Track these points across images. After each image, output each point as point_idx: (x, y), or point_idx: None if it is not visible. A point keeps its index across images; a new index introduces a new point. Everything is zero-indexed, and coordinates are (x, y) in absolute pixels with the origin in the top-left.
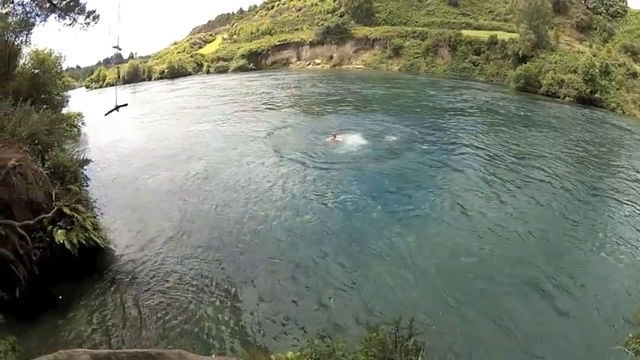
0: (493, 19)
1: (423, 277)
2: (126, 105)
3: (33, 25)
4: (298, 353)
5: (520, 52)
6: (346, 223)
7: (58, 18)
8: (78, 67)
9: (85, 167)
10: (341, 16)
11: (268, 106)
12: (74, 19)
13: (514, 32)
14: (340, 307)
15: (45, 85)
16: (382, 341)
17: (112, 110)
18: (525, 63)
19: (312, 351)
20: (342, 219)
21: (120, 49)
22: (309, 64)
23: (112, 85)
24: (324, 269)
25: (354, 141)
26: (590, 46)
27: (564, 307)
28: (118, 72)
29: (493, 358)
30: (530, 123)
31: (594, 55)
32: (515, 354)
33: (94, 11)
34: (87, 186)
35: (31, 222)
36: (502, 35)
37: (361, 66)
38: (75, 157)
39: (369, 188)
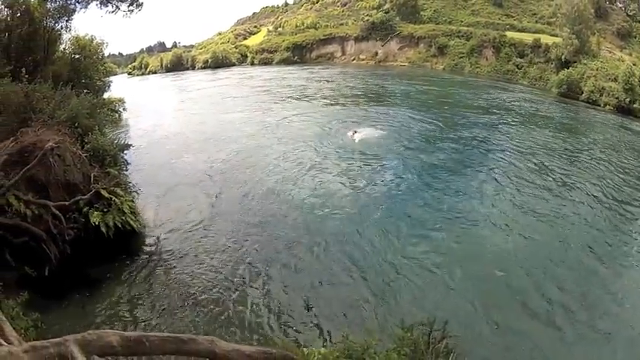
0: (537, 21)
1: (458, 281)
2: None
3: (73, 11)
4: (331, 348)
5: (563, 57)
6: (381, 218)
7: (99, 5)
8: (120, 54)
9: (125, 151)
10: (386, 13)
11: (301, 98)
12: (117, 6)
13: (557, 36)
14: (374, 304)
15: (86, 70)
16: (415, 341)
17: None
18: (568, 68)
19: (345, 347)
20: (376, 213)
21: None
22: (354, 59)
23: (155, 72)
24: (359, 264)
25: (373, 136)
26: (630, 54)
27: (603, 326)
28: (159, 59)
29: None
30: (565, 129)
31: (634, 64)
32: None
33: None
34: (126, 170)
35: (67, 203)
36: (545, 39)
37: (406, 63)
38: (115, 141)
39: (397, 183)
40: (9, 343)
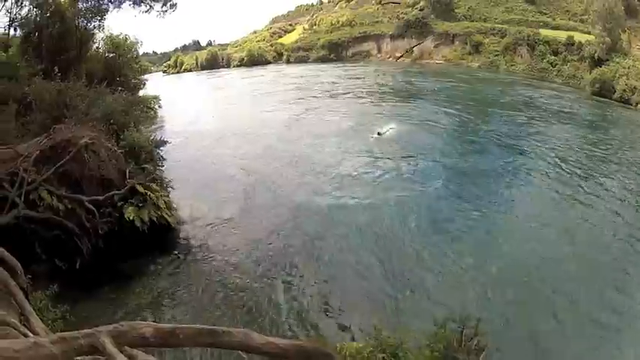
0: (569, 18)
1: (491, 282)
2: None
3: (106, 11)
4: (364, 343)
5: (596, 55)
6: (414, 217)
7: (132, 5)
8: (154, 52)
9: (161, 148)
10: (421, 10)
11: (334, 95)
12: (150, 6)
13: (590, 34)
14: (407, 300)
15: (120, 69)
16: (447, 338)
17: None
18: (601, 66)
19: (378, 342)
20: (410, 212)
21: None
22: (390, 57)
23: (190, 70)
24: (393, 261)
25: (398, 134)
26: None
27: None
28: (194, 58)
29: None
30: (597, 128)
31: None
32: None
33: None
34: (162, 166)
35: (101, 198)
36: (578, 36)
37: (441, 61)
38: (151, 137)
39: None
40: (35, 335)
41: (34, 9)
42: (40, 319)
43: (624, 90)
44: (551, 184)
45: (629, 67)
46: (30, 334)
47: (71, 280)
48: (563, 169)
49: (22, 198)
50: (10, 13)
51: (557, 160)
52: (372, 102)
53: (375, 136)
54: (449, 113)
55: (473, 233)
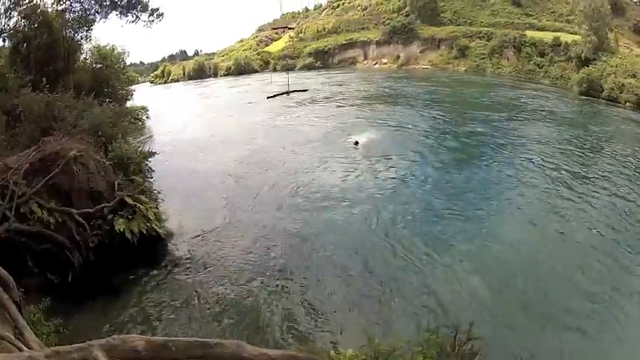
0: (555, 19)
1: (484, 285)
2: (306, 90)
3: (93, 21)
4: (357, 351)
5: (582, 55)
6: (404, 221)
7: (119, 15)
8: (141, 62)
9: (149, 159)
10: (406, 16)
11: (315, 102)
12: (137, 16)
13: (576, 34)
14: (400, 306)
15: (108, 80)
16: (440, 344)
17: (281, 94)
18: (588, 66)
19: (371, 350)
20: (399, 216)
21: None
22: (376, 63)
23: (177, 80)
24: (385, 267)
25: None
26: None
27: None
28: (181, 68)
29: None
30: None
31: None
32: None
33: (158, 9)
34: (151, 177)
35: (91, 210)
36: (565, 37)
37: (428, 66)
38: (139, 149)
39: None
40: (30, 349)
41: (22, 19)
42: (34, 332)
43: (612, 88)
44: (542, 185)
45: (616, 66)
46: (24, 348)
47: (63, 294)
48: (551, 170)
49: (13, 211)
50: None
51: (544, 160)
52: (352, 107)
53: (352, 145)
54: (428, 117)
55: (464, 237)
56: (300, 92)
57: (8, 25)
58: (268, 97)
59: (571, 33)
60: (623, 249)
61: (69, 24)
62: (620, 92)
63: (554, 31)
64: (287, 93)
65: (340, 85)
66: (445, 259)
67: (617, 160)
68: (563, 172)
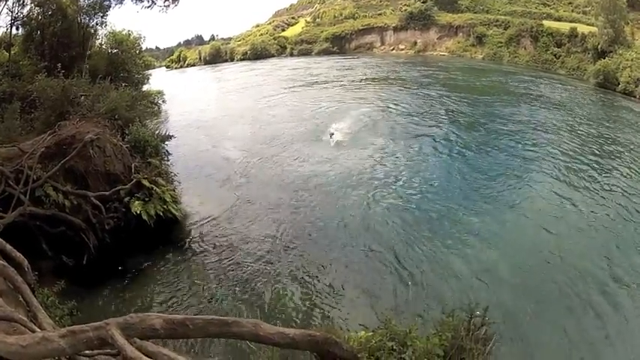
0: (572, 10)
1: (500, 271)
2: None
3: (108, 7)
4: (372, 332)
5: (599, 47)
6: (417, 207)
7: (135, 1)
8: (157, 47)
9: (166, 142)
10: (424, 2)
11: (322, 85)
12: (152, 1)
13: (593, 25)
14: (416, 289)
15: (124, 64)
16: (455, 327)
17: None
18: (604, 58)
19: (387, 331)
20: (412, 202)
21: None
22: (393, 49)
23: (193, 65)
24: (399, 250)
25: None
26: None
27: None
28: (197, 52)
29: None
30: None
31: None
32: None
33: None
34: (168, 160)
35: (107, 193)
36: (582, 28)
37: (445, 53)
38: (156, 132)
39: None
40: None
41: (36, 7)
42: (48, 315)
43: (627, 82)
44: (561, 175)
45: (632, 59)
46: (38, 331)
47: (78, 276)
48: (571, 162)
49: (28, 195)
50: (12, 12)
51: (561, 151)
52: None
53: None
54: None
55: (483, 226)
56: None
57: (22, 12)
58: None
59: (588, 24)
60: None
61: (83, 10)
62: (636, 86)
63: (571, 21)
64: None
65: (349, 69)
66: (461, 246)
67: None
68: (581, 162)
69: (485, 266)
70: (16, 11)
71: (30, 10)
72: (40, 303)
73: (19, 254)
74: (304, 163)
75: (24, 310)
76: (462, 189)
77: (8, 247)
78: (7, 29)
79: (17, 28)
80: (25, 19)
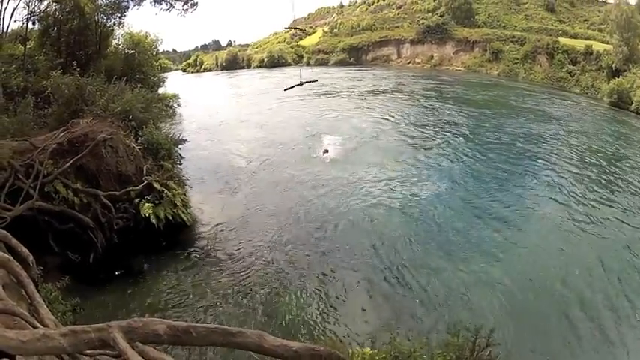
0: (588, 27)
1: (507, 292)
2: (315, 81)
3: (126, 8)
4: (377, 349)
5: (613, 65)
6: (430, 223)
7: (153, 3)
8: (174, 50)
9: (179, 146)
10: (441, 16)
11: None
12: (171, 4)
13: (608, 43)
14: (421, 308)
15: (140, 66)
16: (460, 347)
17: (295, 86)
18: (618, 77)
19: (392, 348)
20: (423, 218)
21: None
22: (410, 62)
23: (210, 70)
24: (405, 267)
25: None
26: None
27: None
28: (214, 57)
29: None
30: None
31: None
32: None
33: None
34: (180, 164)
35: (117, 193)
36: (597, 46)
37: (461, 68)
38: (170, 135)
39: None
40: (44, 326)
41: (54, 3)
42: (50, 310)
43: None
44: (573, 193)
45: None
46: (39, 325)
47: (83, 274)
48: (583, 184)
49: (37, 190)
50: (29, 6)
51: (574, 172)
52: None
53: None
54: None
55: (491, 243)
56: (311, 82)
57: (39, 7)
58: (285, 89)
59: (603, 42)
60: None
61: (101, 9)
62: None
63: (586, 39)
64: (300, 84)
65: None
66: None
67: None
68: (597, 183)
69: (493, 283)
70: (33, 5)
71: (47, 5)
72: (43, 298)
73: (24, 248)
74: (309, 174)
75: (26, 305)
76: (473, 208)
77: (14, 240)
78: (23, 23)
79: (34, 23)
80: (42, 14)
